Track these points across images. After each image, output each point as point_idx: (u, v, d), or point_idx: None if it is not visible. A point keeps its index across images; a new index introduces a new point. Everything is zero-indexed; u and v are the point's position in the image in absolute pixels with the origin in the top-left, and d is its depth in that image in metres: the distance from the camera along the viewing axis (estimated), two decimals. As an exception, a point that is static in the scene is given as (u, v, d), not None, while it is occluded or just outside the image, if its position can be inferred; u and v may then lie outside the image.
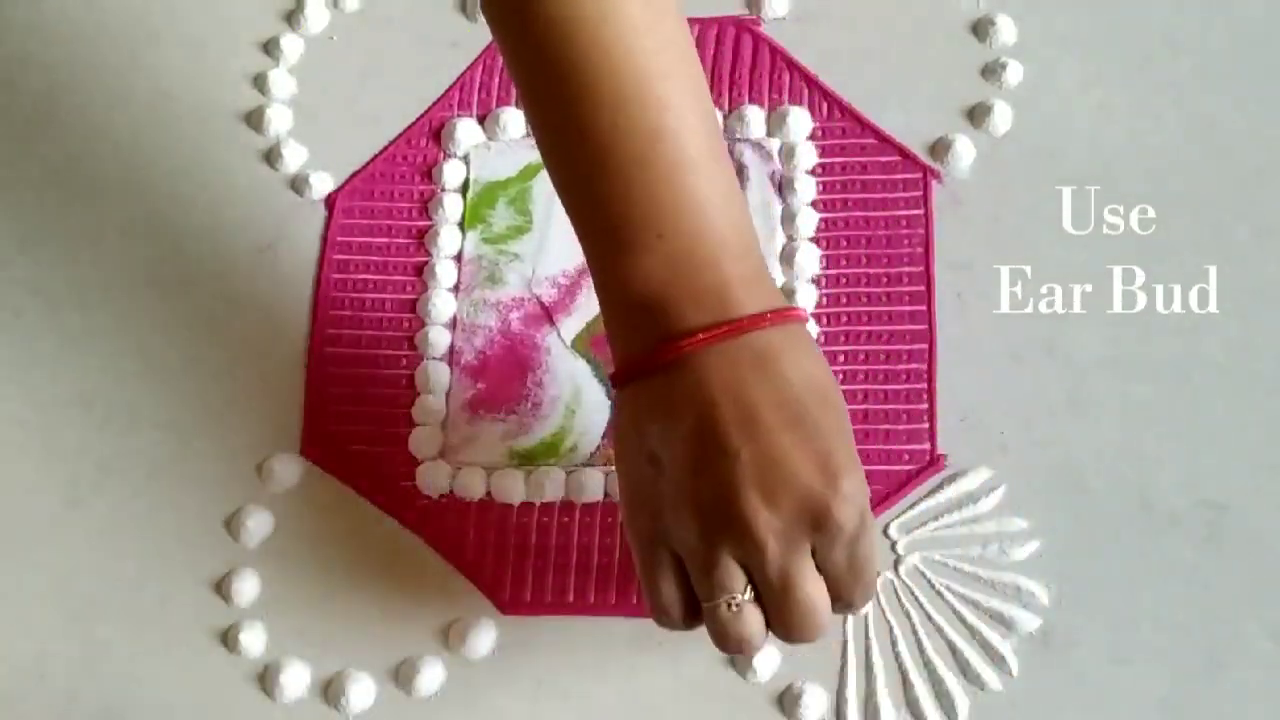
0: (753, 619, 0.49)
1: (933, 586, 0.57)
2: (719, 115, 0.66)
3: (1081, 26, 0.66)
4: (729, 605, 0.48)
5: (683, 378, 0.48)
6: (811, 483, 0.47)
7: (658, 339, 0.49)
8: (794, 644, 0.49)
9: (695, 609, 0.50)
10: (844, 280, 0.63)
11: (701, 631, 0.55)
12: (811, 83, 0.66)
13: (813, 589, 0.48)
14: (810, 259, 0.63)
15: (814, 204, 0.64)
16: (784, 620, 0.48)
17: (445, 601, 0.59)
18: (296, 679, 0.57)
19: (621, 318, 0.51)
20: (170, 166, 0.66)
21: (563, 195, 0.52)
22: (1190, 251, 0.61)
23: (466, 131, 0.67)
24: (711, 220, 0.49)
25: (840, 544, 0.48)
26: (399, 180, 0.67)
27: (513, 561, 0.59)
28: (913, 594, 0.57)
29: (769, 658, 0.56)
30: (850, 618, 0.57)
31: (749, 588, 0.48)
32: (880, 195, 0.64)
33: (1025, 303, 0.61)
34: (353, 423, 0.62)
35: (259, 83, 0.69)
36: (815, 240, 0.63)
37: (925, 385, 0.60)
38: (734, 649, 0.49)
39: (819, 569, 0.49)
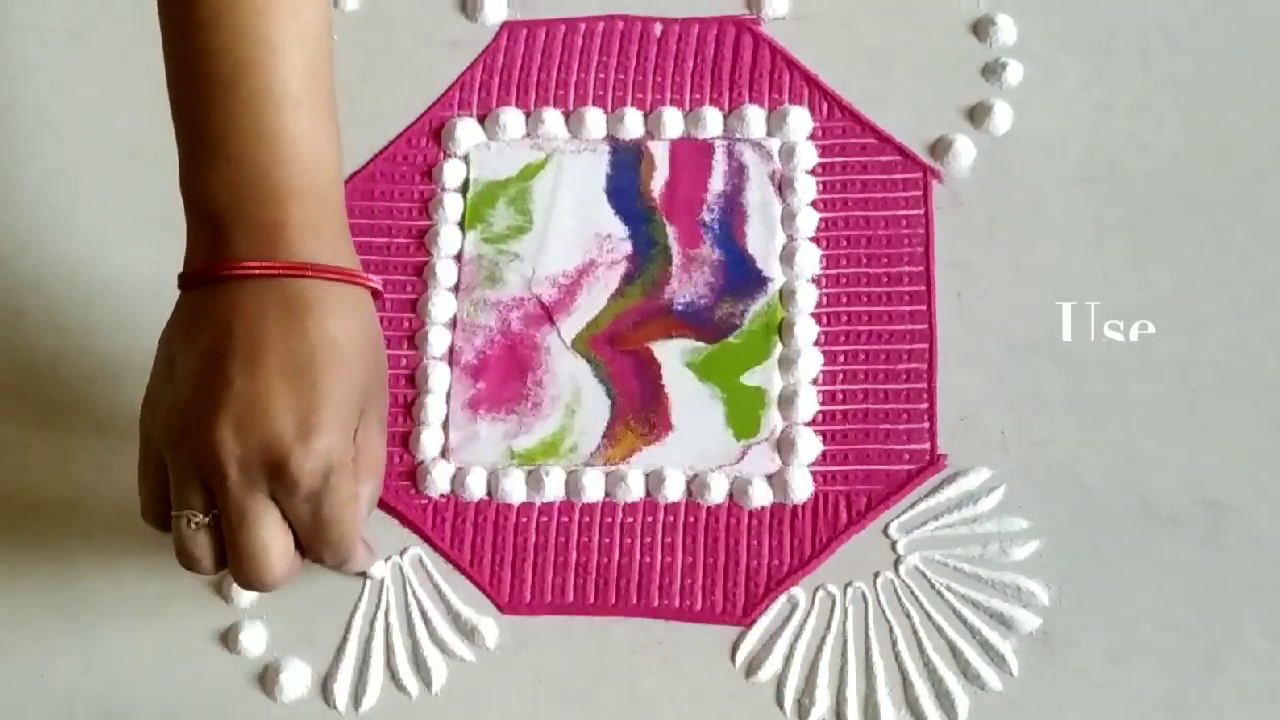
0: (203, 543, 0.51)
1: (933, 586, 0.57)
2: (719, 114, 0.66)
3: (1081, 26, 0.66)
4: (189, 522, 0.50)
5: (216, 299, 0.50)
6: (283, 429, 0.49)
7: (208, 257, 0.51)
8: (243, 587, 0.51)
9: (168, 517, 0.51)
10: (844, 280, 0.63)
11: (702, 633, 0.55)
12: (811, 83, 0.66)
13: (266, 534, 0.50)
14: (810, 259, 0.63)
15: (814, 204, 0.64)
16: (233, 555, 0.50)
17: (445, 601, 0.59)
18: (296, 679, 0.57)
19: (192, 227, 0.53)
20: (171, 166, 0.66)
21: (170, 100, 0.54)
22: (1190, 251, 0.61)
23: (466, 131, 0.67)
24: (284, 159, 0.51)
25: (299, 497, 0.49)
26: (399, 180, 0.67)
27: (513, 561, 0.59)
28: (913, 594, 0.57)
29: (772, 659, 0.56)
30: (850, 618, 0.57)
31: (214, 514, 0.50)
32: (880, 195, 0.64)
33: (1026, 303, 0.61)
34: (353, 423, 0.62)
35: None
36: (815, 240, 0.63)
37: (925, 385, 0.60)
38: (185, 564, 0.51)
39: (286, 518, 0.50)
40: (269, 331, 0.50)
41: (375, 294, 0.54)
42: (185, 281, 0.52)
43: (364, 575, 0.59)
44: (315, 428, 0.49)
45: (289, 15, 0.52)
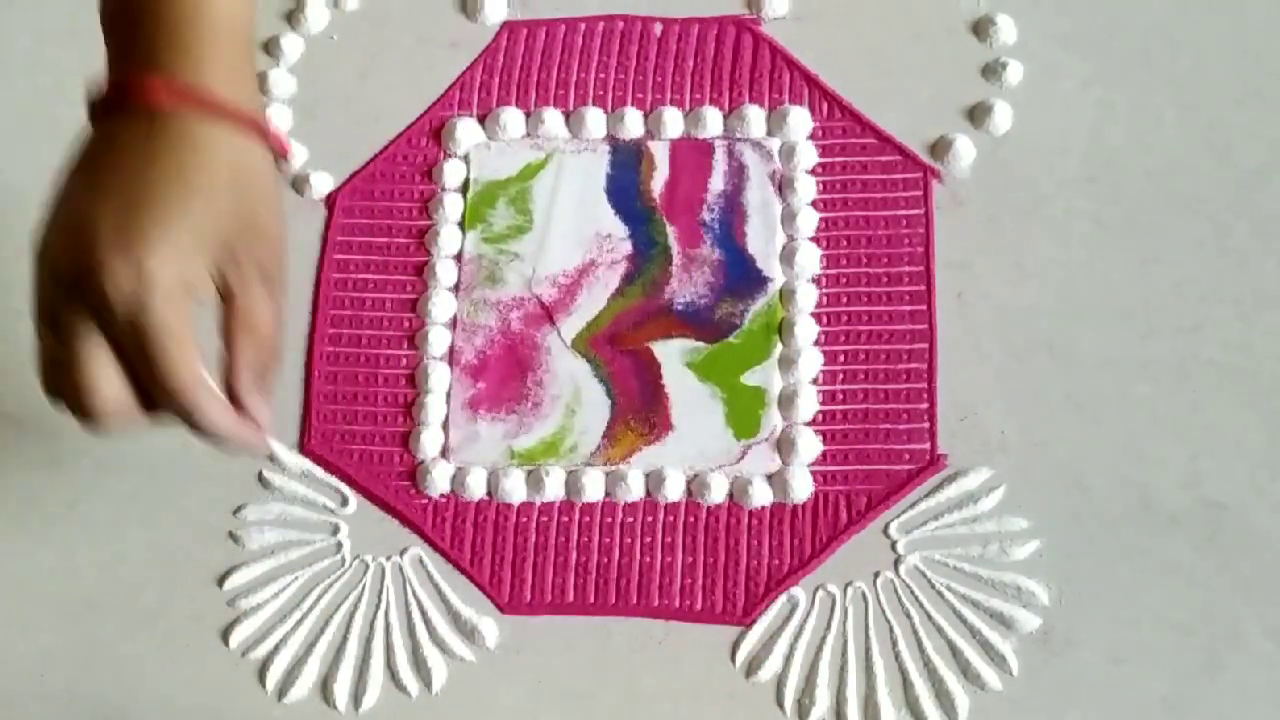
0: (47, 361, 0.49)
1: (933, 586, 0.57)
2: (719, 114, 0.66)
3: (1081, 26, 0.66)
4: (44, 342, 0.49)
5: (102, 129, 0.50)
6: (99, 235, 0.46)
7: (114, 81, 0.51)
8: (79, 421, 0.48)
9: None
10: (844, 280, 0.63)
11: (702, 633, 0.55)
12: (811, 83, 0.66)
13: (85, 354, 0.47)
14: (810, 259, 0.63)
15: (814, 204, 0.64)
16: (64, 378, 0.48)
17: (445, 601, 0.59)
18: (297, 678, 0.57)
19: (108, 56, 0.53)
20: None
21: None
22: (1190, 251, 0.61)
23: (466, 131, 0.67)
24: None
25: (116, 316, 0.46)
26: (399, 180, 0.67)
27: (513, 561, 0.59)
28: (913, 594, 0.57)
29: (772, 659, 0.56)
30: (850, 618, 0.57)
31: None
32: (880, 195, 0.64)
33: (1025, 302, 0.61)
34: (353, 422, 0.62)
35: (259, 82, 0.69)
36: (815, 240, 0.63)
37: (925, 385, 0.60)
38: (43, 386, 0.49)
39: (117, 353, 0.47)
40: (130, 155, 0.48)
41: (280, 153, 0.52)
42: (90, 114, 0.51)
43: (268, 456, 0.56)
44: (134, 239, 0.46)
45: None
